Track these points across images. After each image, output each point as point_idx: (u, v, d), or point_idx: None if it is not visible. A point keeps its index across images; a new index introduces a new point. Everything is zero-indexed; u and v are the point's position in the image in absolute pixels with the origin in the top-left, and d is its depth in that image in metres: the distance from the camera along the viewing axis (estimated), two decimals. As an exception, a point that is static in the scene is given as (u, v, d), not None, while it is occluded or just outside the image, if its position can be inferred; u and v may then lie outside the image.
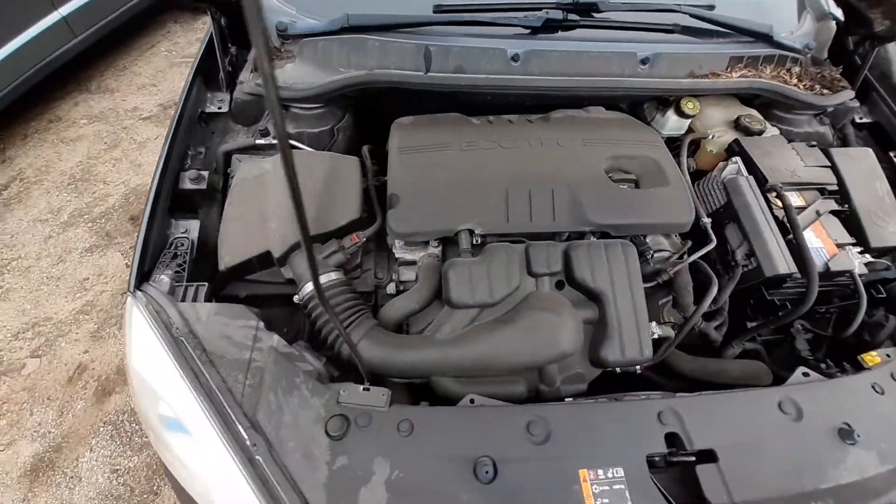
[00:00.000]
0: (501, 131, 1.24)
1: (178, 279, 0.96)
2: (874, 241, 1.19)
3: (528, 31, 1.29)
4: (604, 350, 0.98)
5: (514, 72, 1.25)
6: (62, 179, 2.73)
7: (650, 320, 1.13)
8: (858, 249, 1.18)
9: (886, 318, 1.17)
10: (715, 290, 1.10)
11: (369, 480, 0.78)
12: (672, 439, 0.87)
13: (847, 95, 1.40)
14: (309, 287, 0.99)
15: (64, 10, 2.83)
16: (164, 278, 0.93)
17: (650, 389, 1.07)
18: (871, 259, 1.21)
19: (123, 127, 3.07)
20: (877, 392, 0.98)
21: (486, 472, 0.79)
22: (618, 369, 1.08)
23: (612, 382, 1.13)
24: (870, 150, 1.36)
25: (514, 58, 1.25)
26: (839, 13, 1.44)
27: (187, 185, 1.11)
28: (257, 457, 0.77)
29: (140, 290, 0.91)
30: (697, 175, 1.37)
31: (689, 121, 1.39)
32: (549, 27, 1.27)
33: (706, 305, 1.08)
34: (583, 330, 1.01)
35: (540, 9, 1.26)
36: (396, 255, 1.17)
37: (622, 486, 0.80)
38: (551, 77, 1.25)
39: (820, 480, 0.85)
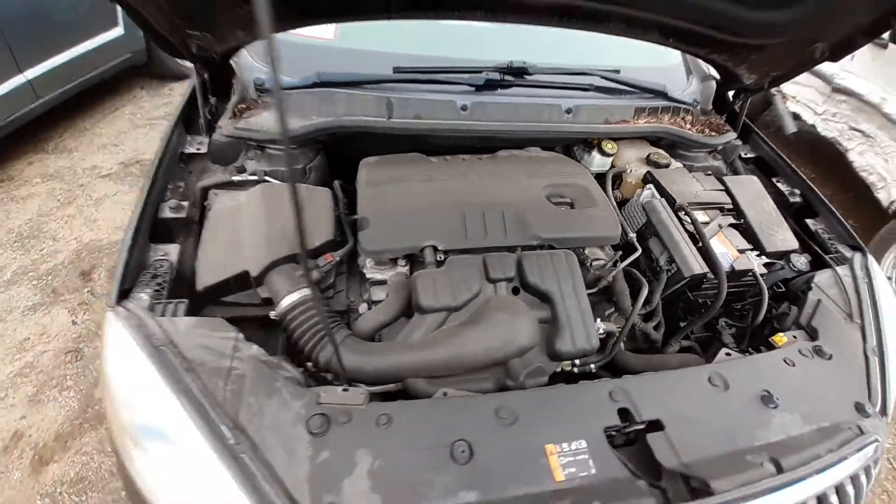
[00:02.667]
0: (455, 168, 1.43)
1: (158, 297, 0.99)
2: (769, 247, 1.45)
3: (473, 88, 1.54)
4: (557, 343, 1.10)
5: (463, 119, 1.47)
6: (8, 238, 2.63)
7: (596, 319, 1.28)
8: (756, 253, 1.43)
9: (789, 308, 1.38)
10: (646, 290, 1.27)
11: (352, 471, 0.81)
12: (624, 414, 0.97)
13: (730, 136, 1.74)
14: (286, 302, 1.05)
15: (29, 74, 2.88)
16: (142, 296, 0.97)
17: None
18: (768, 260, 1.46)
19: (80, 184, 3.02)
20: (788, 364, 1.15)
21: (463, 453, 0.85)
22: (575, 369, 1.20)
23: (571, 382, 1.23)
24: (754, 177, 1.68)
25: (463, 108, 1.48)
26: (716, 74, 1.83)
27: (167, 213, 1.18)
28: (241, 455, 0.79)
29: (120, 306, 0.94)
30: (622, 203, 1.61)
31: (611, 158, 1.67)
32: (490, 85, 1.54)
33: (641, 303, 1.25)
34: (539, 327, 1.13)
35: (481, 71, 1.53)
36: (367, 276, 1.27)
37: (585, 456, 0.88)
38: (494, 123, 1.49)
39: (752, 440, 0.98)
